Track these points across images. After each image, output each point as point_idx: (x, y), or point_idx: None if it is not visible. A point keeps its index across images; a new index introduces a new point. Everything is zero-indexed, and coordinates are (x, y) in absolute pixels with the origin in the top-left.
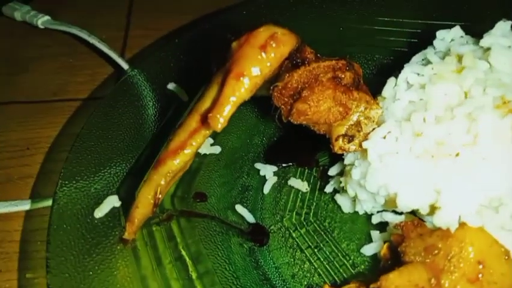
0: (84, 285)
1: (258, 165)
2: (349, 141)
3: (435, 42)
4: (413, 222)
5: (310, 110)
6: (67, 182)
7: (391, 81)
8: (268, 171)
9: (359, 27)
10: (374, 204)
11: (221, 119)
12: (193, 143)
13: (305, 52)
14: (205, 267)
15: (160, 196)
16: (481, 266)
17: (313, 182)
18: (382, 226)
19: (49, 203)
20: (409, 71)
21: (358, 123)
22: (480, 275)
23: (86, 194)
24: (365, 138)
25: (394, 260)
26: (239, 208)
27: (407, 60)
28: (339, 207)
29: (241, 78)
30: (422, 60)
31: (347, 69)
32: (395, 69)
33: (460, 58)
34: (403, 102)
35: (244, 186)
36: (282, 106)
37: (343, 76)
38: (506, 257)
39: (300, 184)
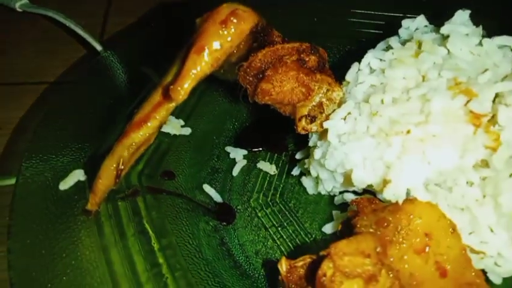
0: (45, 252)
1: (228, 149)
2: (311, 122)
3: (400, 30)
4: (368, 199)
5: (274, 90)
6: (33, 155)
7: (355, 66)
8: (238, 154)
9: (332, 20)
10: (335, 184)
11: (182, 91)
12: (156, 116)
13: (272, 35)
14: (168, 241)
15: (122, 167)
16: (427, 239)
17: (282, 165)
18: (344, 207)
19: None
20: (371, 56)
21: (320, 105)
22: (427, 248)
23: (52, 167)
24: (327, 119)
25: (348, 233)
26: (207, 188)
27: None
28: (304, 189)
29: (202, 52)
30: (386, 47)
31: (311, 52)
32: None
33: (420, 44)
34: (365, 85)
35: (213, 168)
36: (248, 86)
37: (307, 59)
38: (453, 230)
39: (268, 167)
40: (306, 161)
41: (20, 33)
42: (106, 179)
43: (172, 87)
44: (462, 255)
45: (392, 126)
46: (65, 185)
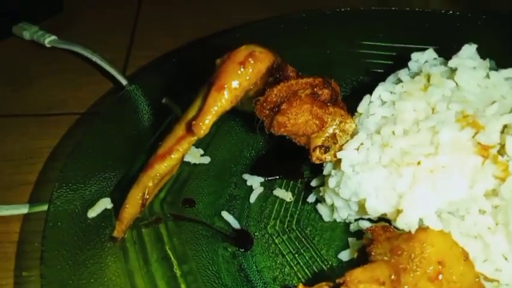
0: (74, 277)
1: (245, 176)
2: (325, 152)
3: (409, 63)
4: (382, 227)
5: (289, 122)
6: (63, 185)
7: (366, 98)
8: (255, 181)
9: (344, 51)
10: (350, 212)
11: (203, 126)
12: (179, 149)
13: (287, 70)
14: (189, 267)
15: (147, 197)
16: (440, 267)
17: (298, 192)
18: (359, 234)
19: (46, 207)
20: (382, 89)
21: (334, 136)
22: (440, 275)
23: (81, 196)
24: (340, 149)
25: (364, 260)
26: (225, 215)
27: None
28: (320, 216)
29: (222, 91)
30: (396, 80)
31: (324, 86)
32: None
33: (429, 78)
34: (376, 117)
35: (231, 195)
36: (264, 118)
37: (320, 93)
38: (465, 258)
39: (284, 194)
40: (321, 188)
41: (45, 66)
42: (132, 208)
43: (194, 122)
44: (475, 283)
45: (403, 157)
46: (93, 212)
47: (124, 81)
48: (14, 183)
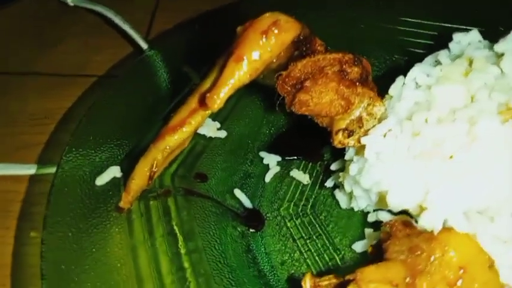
0: (76, 245)
1: (262, 154)
2: (349, 136)
3: (450, 44)
4: (402, 221)
5: (312, 101)
6: (73, 149)
7: (399, 79)
8: (272, 160)
9: (380, 27)
10: (369, 202)
11: (218, 100)
12: (192, 122)
13: (315, 44)
14: (195, 244)
15: (156, 169)
16: (461, 271)
17: (316, 175)
18: (377, 225)
19: (55, 169)
20: (418, 71)
21: (360, 119)
22: (460, 281)
23: (90, 162)
24: (365, 134)
25: (379, 256)
26: (237, 193)
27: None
28: (337, 202)
29: (241, 62)
30: (435, 61)
31: (354, 63)
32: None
33: (471, 62)
34: (408, 101)
35: (246, 172)
36: (285, 95)
37: (350, 71)
38: (490, 266)
39: (301, 176)
40: (340, 174)
41: (69, 27)
42: (139, 179)
43: (208, 95)
44: None
45: (435, 149)
46: (101, 180)
47: (144, 45)
48: (26, 143)
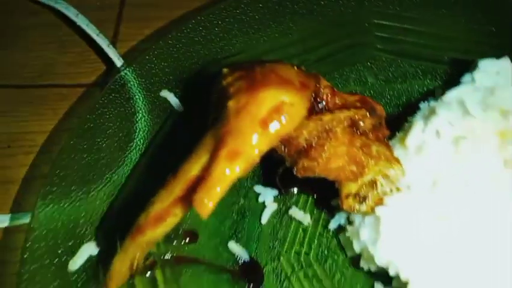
0: None
1: (257, 189)
2: (361, 202)
3: (475, 74)
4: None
5: (318, 167)
6: (44, 206)
7: (417, 126)
8: (268, 196)
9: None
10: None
11: (209, 204)
12: (176, 212)
13: (320, 88)
14: None
15: (135, 268)
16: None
17: (317, 213)
18: (387, 278)
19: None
20: (441, 119)
21: (373, 183)
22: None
23: (61, 233)
24: (380, 200)
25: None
26: (232, 245)
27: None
28: (342, 247)
29: (235, 160)
30: (458, 100)
31: (367, 116)
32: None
33: (504, 113)
34: (431, 158)
35: (240, 213)
36: (286, 157)
37: (362, 124)
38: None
39: (302, 216)
40: (348, 227)
41: (27, 19)
42: (118, 279)
43: (196, 197)
44: None
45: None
46: (75, 264)
47: (118, 63)
48: None
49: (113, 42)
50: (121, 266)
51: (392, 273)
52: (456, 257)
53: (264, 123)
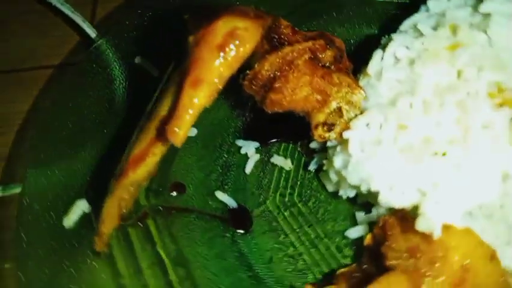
0: None
1: (239, 142)
2: (329, 130)
3: (429, 2)
4: (397, 217)
5: (285, 100)
6: (34, 170)
7: (377, 55)
8: (250, 148)
9: None
10: (357, 191)
11: (180, 133)
12: (154, 151)
13: (280, 27)
14: (185, 271)
15: (124, 210)
16: (464, 271)
17: (297, 158)
18: (368, 207)
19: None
20: (397, 44)
21: (339, 110)
22: (464, 279)
23: (53, 195)
24: (346, 125)
25: (376, 254)
26: (219, 194)
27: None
28: (323, 184)
29: (199, 86)
30: (413, 26)
31: (327, 48)
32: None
33: (454, 29)
34: (389, 81)
35: (224, 166)
36: (254, 94)
37: (322, 56)
38: (491, 258)
39: (283, 162)
40: (324, 161)
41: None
42: (109, 222)
43: (168, 128)
44: (502, 282)
45: (425, 145)
46: (69, 221)
47: (92, 34)
48: None
49: (91, 23)
50: (111, 206)
51: (364, 189)
52: (418, 162)
53: (221, 48)
